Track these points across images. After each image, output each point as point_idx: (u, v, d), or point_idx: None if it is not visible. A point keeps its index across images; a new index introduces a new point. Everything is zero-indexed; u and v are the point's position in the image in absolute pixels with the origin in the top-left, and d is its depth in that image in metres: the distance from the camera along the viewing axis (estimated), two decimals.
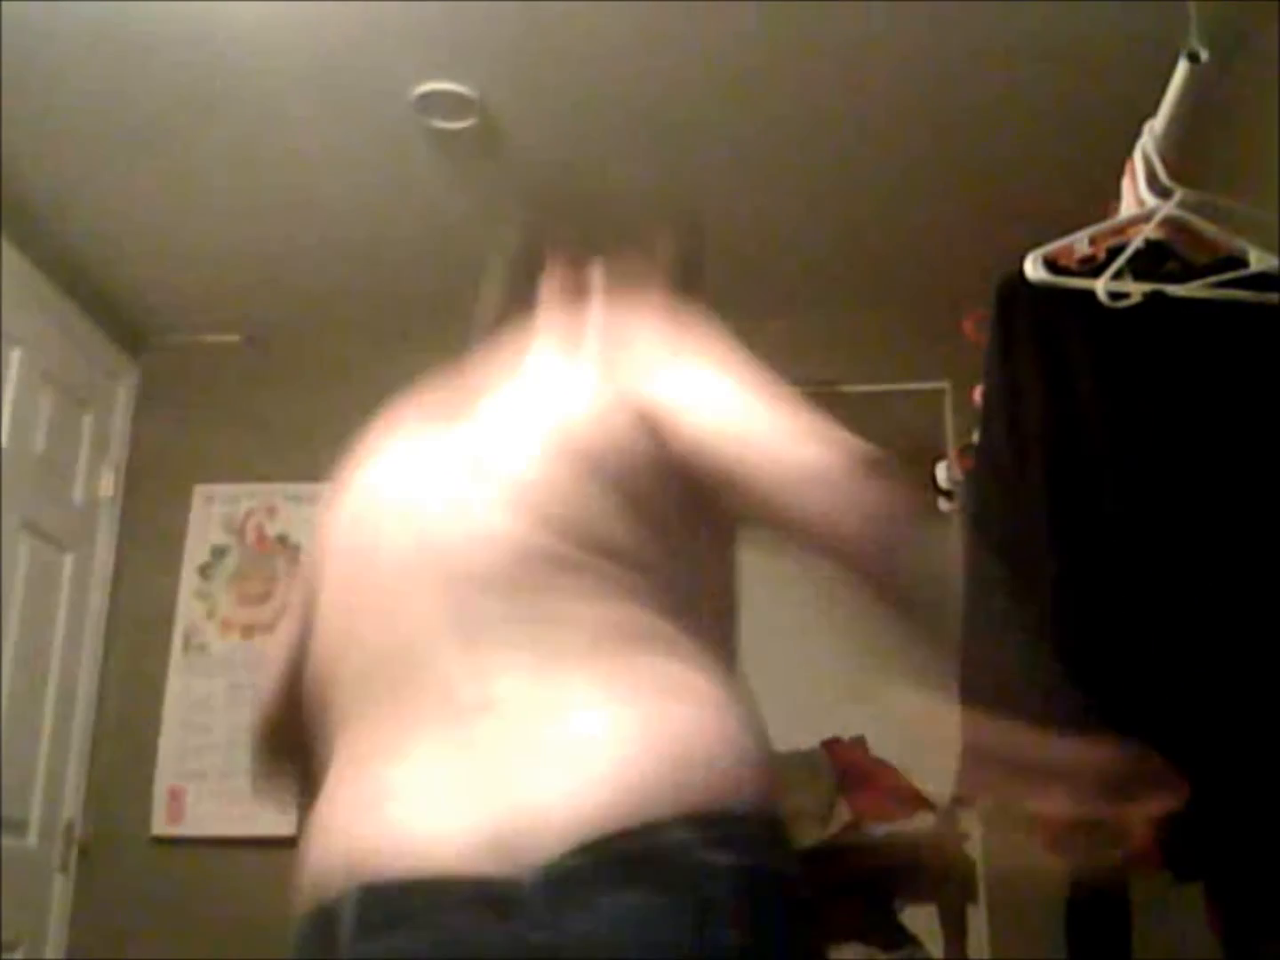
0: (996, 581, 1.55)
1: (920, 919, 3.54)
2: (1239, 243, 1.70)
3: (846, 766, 3.58)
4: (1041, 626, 1.46)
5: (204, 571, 3.45)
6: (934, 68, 2.51)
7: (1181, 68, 1.77)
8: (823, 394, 3.99)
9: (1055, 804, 1.04)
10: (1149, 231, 1.70)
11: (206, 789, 3.25)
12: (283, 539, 3.46)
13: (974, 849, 3.39)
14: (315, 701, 1.16)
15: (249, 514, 3.49)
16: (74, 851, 3.22)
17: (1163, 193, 1.74)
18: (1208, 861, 1.42)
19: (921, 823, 3.45)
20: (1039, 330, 1.60)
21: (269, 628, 3.39)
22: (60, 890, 3.18)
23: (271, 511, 3.49)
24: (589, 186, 2.95)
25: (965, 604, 1.61)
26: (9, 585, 2.99)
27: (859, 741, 3.73)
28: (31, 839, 3.10)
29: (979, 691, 1.55)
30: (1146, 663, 1.44)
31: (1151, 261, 1.67)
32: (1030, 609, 1.48)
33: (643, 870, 0.88)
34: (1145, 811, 1.02)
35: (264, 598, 3.42)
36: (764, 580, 4.06)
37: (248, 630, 3.39)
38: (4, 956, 2.90)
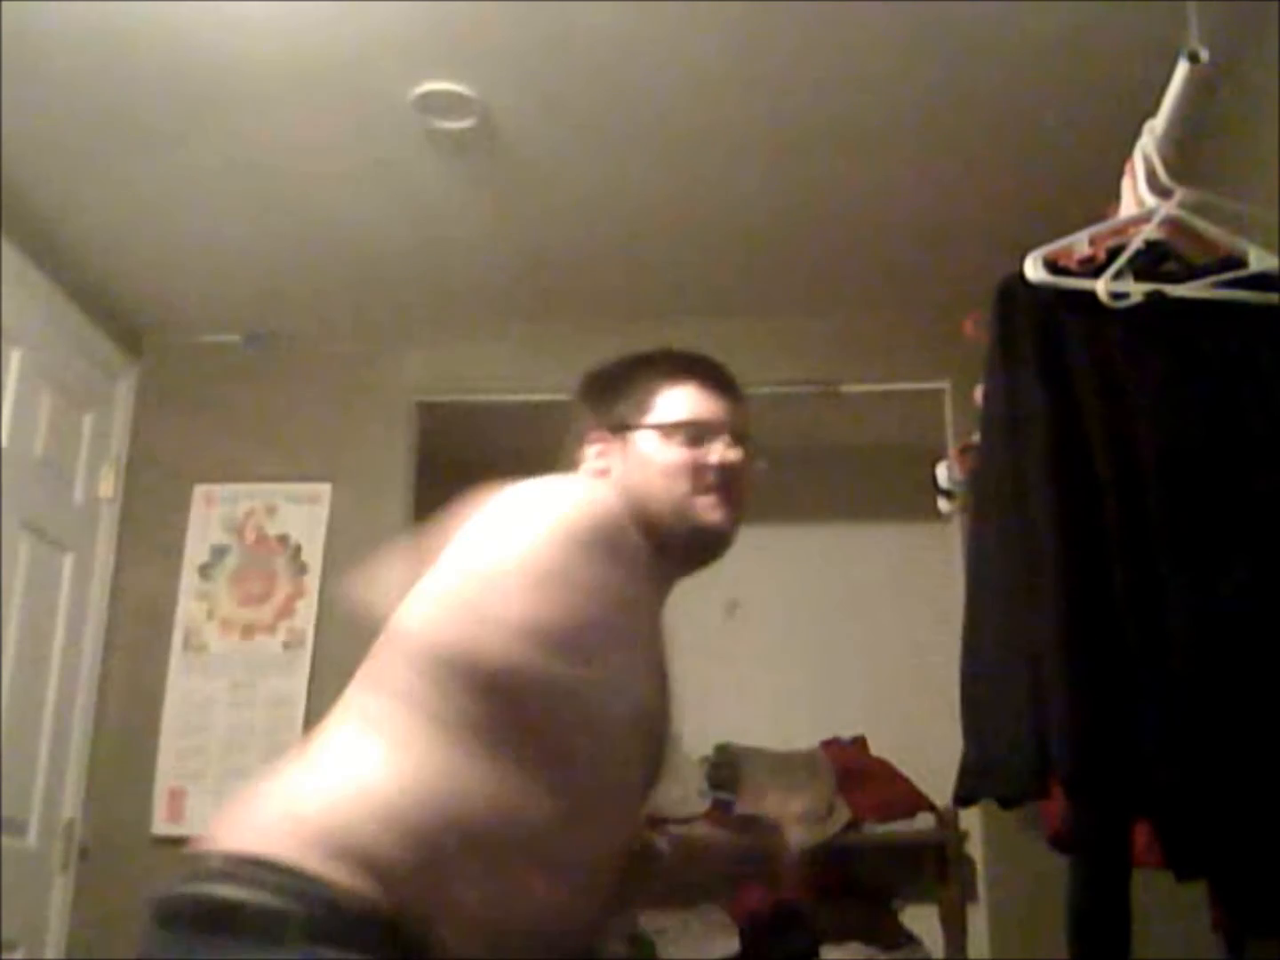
0: (997, 582, 1.56)
1: (920, 919, 3.54)
2: (1239, 243, 1.70)
3: (846, 766, 3.59)
4: (1042, 627, 1.46)
5: (204, 571, 3.45)
6: (934, 67, 2.51)
7: (1181, 68, 1.77)
8: (823, 394, 3.98)
9: None
10: (1149, 231, 1.70)
11: (206, 789, 3.25)
12: (283, 539, 3.46)
13: (974, 849, 3.40)
14: None
15: (249, 514, 3.49)
16: (74, 851, 3.22)
17: (1163, 193, 1.74)
18: (1211, 860, 1.42)
19: (922, 823, 3.46)
20: (1039, 330, 1.60)
21: (269, 628, 3.39)
22: (60, 890, 3.18)
23: (271, 511, 3.48)
24: (589, 187, 2.96)
25: (968, 605, 1.61)
26: (9, 585, 2.98)
27: (859, 741, 3.74)
28: (31, 839, 3.09)
29: (978, 694, 1.55)
30: (1147, 661, 1.44)
31: (1151, 262, 1.67)
32: (1032, 608, 1.48)
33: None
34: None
35: (264, 598, 3.42)
36: (766, 584, 4.05)
37: (248, 630, 3.39)
38: (4, 956, 2.90)
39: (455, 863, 1.19)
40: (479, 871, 1.20)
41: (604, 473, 1.52)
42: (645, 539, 1.44)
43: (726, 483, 1.51)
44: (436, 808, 1.20)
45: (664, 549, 1.48)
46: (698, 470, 1.50)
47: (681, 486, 1.49)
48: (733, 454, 1.51)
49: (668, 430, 1.51)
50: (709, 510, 1.50)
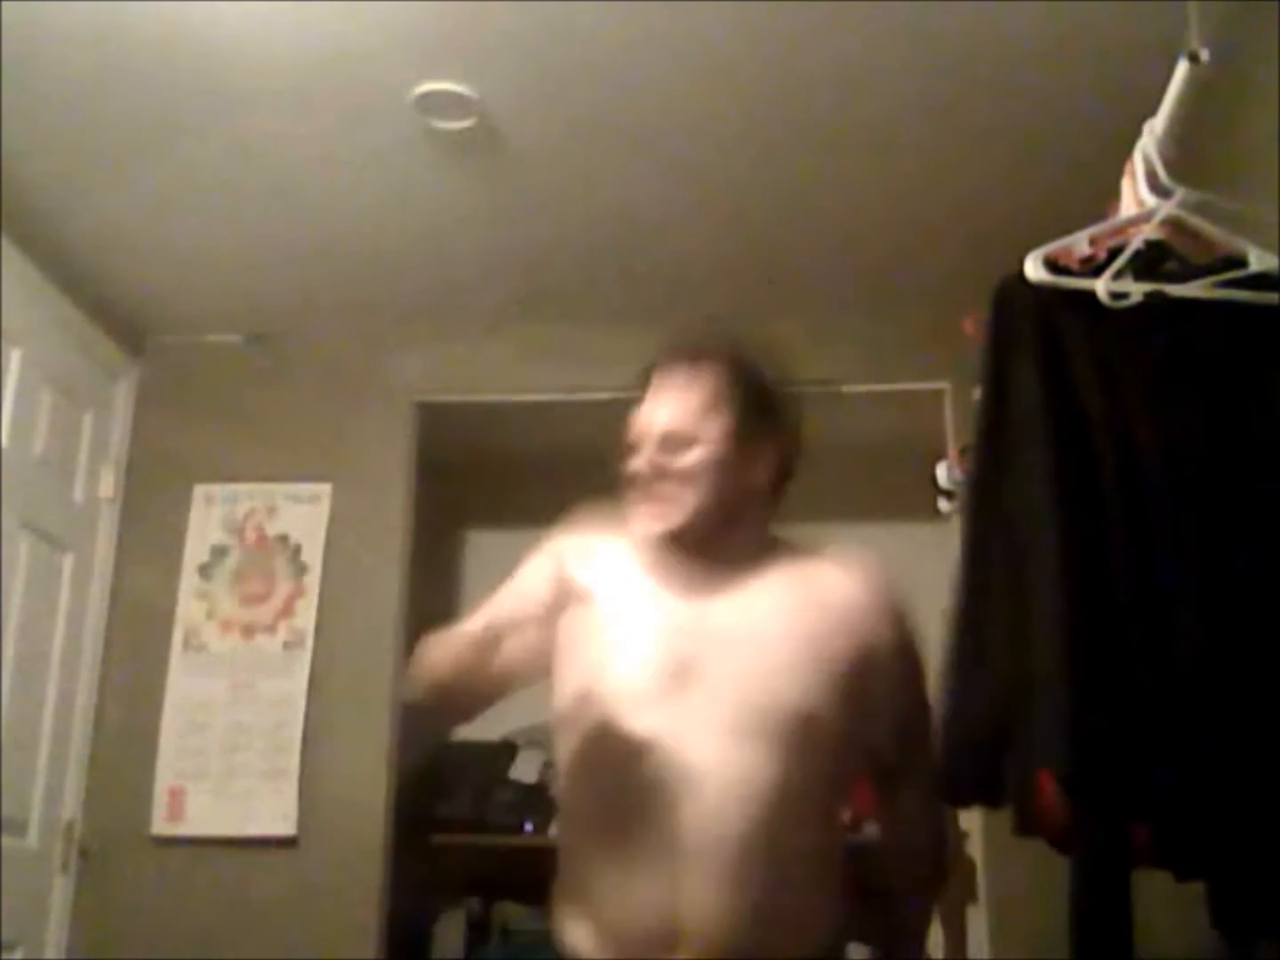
0: (991, 582, 1.56)
1: None
2: (1239, 243, 1.70)
3: None
4: (1040, 626, 1.46)
5: (204, 571, 3.45)
6: (933, 67, 2.51)
7: (1181, 68, 1.77)
8: (823, 394, 3.99)
9: None
10: (1149, 231, 1.70)
11: (206, 789, 3.25)
12: (283, 539, 3.46)
13: (974, 849, 3.40)
14: None
15: (249, 514, 3.49)
16: (74, 851, 3.22)
17: (1163, 193, 1.74)
18: (1209, 860, 1.42)
19: None
20: (1039, 330, 1.60)
21: (269, 628, 3.39)
22: (60, 890, 3.18)
23: (271, 511, 3.48)
24: (589, 187, 2.96)
25: (958, 602, 1.61)
26: (9, 585, 2.98)
27: None
28: (31, 839, 3.09)
29: (960, 691, 1.55)
30: (1148, 660, 1.44)
31: (1152, 261, 1.67)
32: (1029, 608, 1.48)
33: None
34: None
35: (264, 598, 3.42)
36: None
37: (248, 630, 3.39)
38: (4, 956, 2.90)
39: None
40: None
41: None
42: None
43: (651, 490, 1.56)
44: None
45: None
46: (630, 483, 1.58)
47: (630, 502, 1.58)
48: (639, 462, 1.58)
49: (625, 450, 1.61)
50: (641, 521, 1.57)
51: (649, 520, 1.57)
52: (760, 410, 1.63)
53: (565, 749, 1.58)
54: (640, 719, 1.48)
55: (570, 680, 1.57)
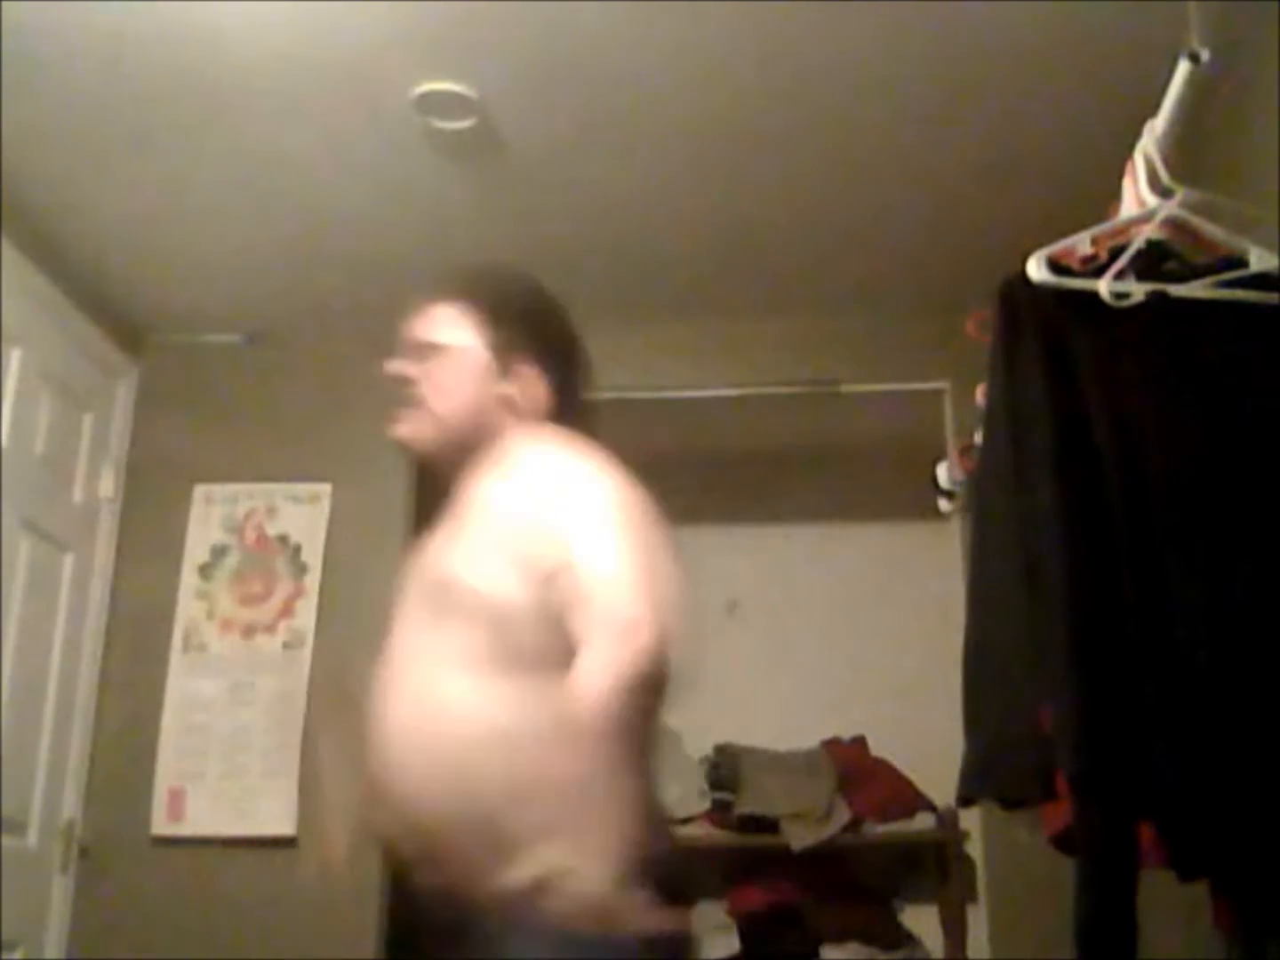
0: (1000, 581, 1.56)
1: (920, 919, 3.55)
2: (1239, 243, 1.70)
3: (847, 766, 3.59)
4: (1049, 627, 1.46)
5: (204, 571, 3.45)
6: (934, 67, 2.51)
7: (1181, 68, 1.77)
8: (823, 394, 3.98)
9: None
10: (1150, 231, 1.70)
11: (206, 789, 3.25)
12: (283, 539, 3.46)
13: (974, 849, 3.40)
14: None
15: (249, 514, 3.49)
16: (74, 851, 3.21)
17: (1164, 193, 1.74)
18: (1213, 860, 1.42)
19: (922, 823, 3.46)
20: (1042, 330, 1.60)
21: (269, 628, 3.39)
22: (60, 890, 3.18)
23: (271, 511, 3.48)
24: (589, 187, 2.96)
25: (970, 605, 1.61)
26: (9, 585, 2.98)
27: (859, 741, 3.74)
28: (31, 839, 3.09)
29: (981, 693, 1.55)
30: (1153, 661, 1.44)
31: (1153, 261, 1.67)
32: (1037, 608, 1.48)
33: None
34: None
35: (264, 598, 3.42)
36: (766, 584, 4.04)
37: (248, 630, 3.39)
38: (4, 956, 2.90)
39: None
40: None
41: None
42: None
43: (399, 396, 1.66)
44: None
45: None
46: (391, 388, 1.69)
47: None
48: (391, 367, 1.68)
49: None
50: (391, 425, 1.68)
51: (396, 424, 1.66)
52: (516, 325, 1.67)
53: None
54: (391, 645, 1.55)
55: None
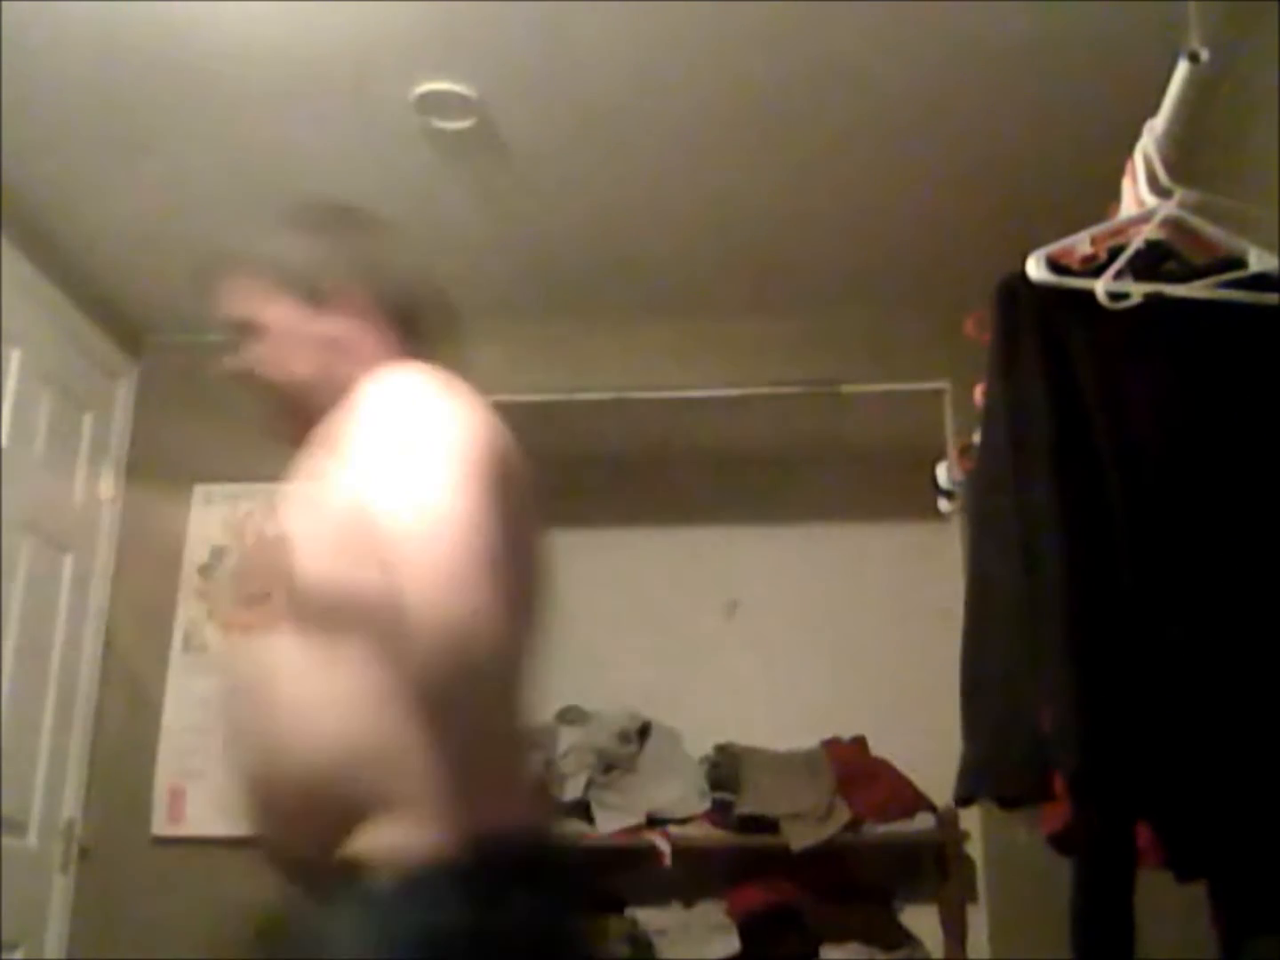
0: (998, 581, 1.56)
1: (920, 919, 3.55)
2: (1239, 243, 1.70)
3: (846, 766, 3.59)
4: (1047, 627, 1.46)
5: (204, 571, 3.45)
6: (934, 67, 2.51)
7: (1181, 68, 1.77)
8: (823, 394, 3.97)
9: None
10: (1149, 231, 1.70)
11: (206, 789, 3.24)
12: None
13: (974, 849, 3.40)
14: None
15: (249, 514, 3.49)
16: (74, 851, 3.22)
17: (1163, 193, 1.74)
18: (1210, 859, 1.42)
19: (922, 823, 3.46)
20: (1041, 330, 1.60)
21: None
22: (60, 890, 3.18)
23: (271, 511, 3.48)
24: (589, 187, 2.96)
25: (968, 604, 1.61)
26: (9, 585, 2.98)
27: (859, 741, 3.74)
28: (31, 839, 3.09)
29: (979, 693, 1.55)
30: (1151, 661, 1.44)
31: (1152, 261, 1.67)
32: (1036, 608, 1.48)
33: None
34: None
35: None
36: (766, 584, 4.04)
37: (248, 630, 3.38)
38: (4, 956, 2.90)
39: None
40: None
41: None
42: None
43: (249, 392, 1.65)
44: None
45: None
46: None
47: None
48: (217, 370, 1.65)
49: None
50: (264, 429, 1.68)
51: (267, 424, 1.66)
52: (322, 268, 1.61)
53: None
54: None
55: None
